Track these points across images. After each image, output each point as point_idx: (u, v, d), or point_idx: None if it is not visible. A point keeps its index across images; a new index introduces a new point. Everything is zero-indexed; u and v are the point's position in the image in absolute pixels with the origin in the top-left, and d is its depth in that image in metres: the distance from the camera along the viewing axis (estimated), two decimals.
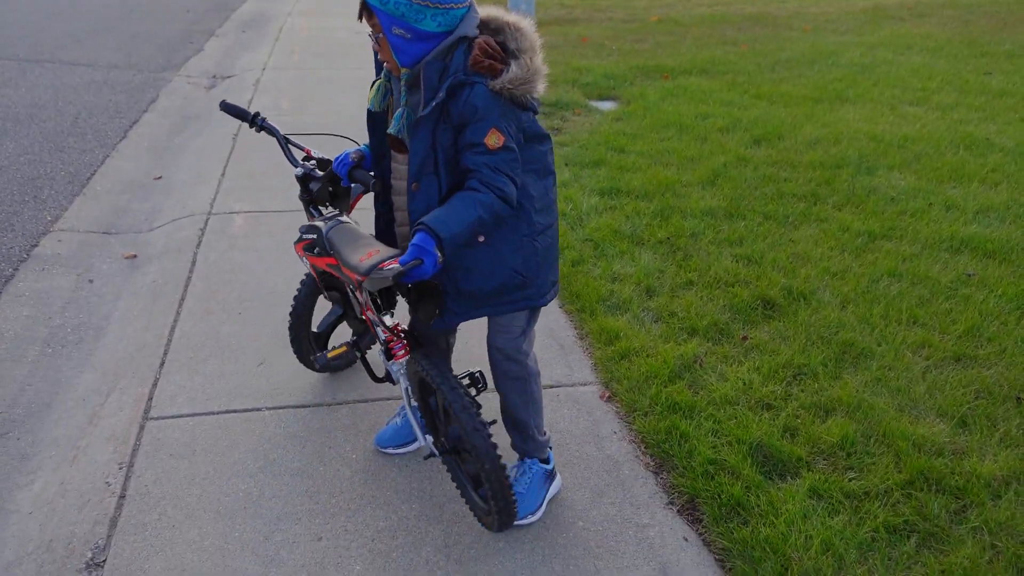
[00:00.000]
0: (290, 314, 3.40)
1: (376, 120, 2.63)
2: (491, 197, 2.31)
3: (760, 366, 3.64)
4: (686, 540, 2.78)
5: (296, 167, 3.02)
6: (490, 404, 3.09)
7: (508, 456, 2.88)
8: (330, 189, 2.95)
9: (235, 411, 3.37)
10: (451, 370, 2.58)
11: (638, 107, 7.56)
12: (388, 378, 2.95)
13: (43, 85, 8.20)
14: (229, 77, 8.98)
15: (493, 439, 2.46)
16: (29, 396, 3.57)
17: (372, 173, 2.78)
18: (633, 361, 3.68)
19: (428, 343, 2.88)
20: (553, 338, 3.89)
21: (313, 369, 3.54)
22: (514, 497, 2.56)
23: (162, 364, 3.67)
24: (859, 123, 7.09)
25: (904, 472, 3.01)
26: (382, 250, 2.45)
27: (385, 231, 2.75)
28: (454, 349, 3.15)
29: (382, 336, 2.76)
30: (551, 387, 3.53)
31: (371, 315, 2.74)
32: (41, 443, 3.29)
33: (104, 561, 2.64)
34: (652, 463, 3.14)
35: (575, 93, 7.89)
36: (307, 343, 3.45)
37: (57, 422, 3.40)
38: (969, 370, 3.63)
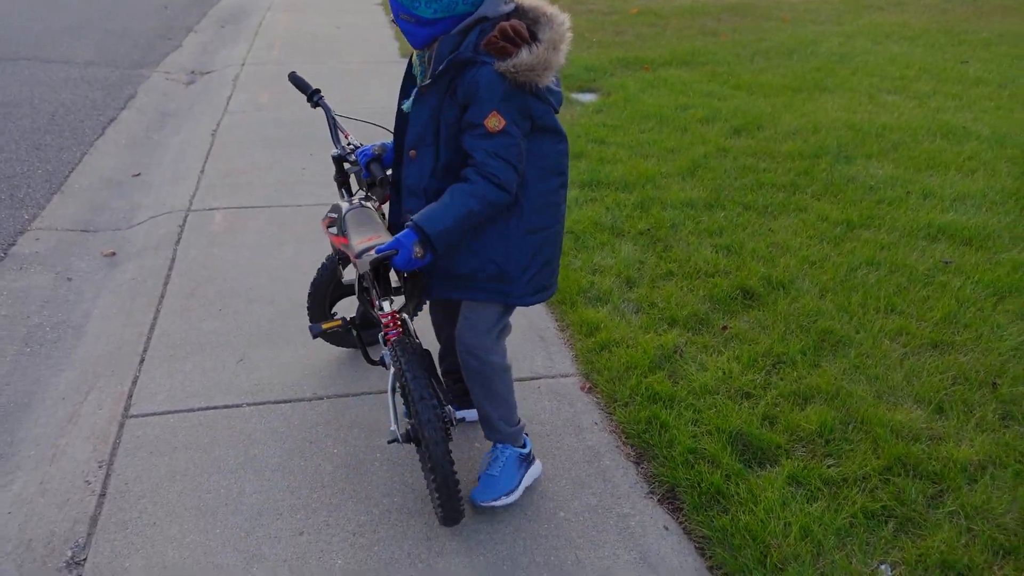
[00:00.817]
0: (311, 284, 3.45)
1: (401, 120, 2.61)
2: (484, 186, 2.34)
3: (740, 355, 3.67)
4: (666, 529, 2.80)
5: (336, 147, 3.12)
6: None
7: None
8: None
9: (215, 407, 3.37)
10: (432, 363, 2.59)
11: (618, 99, 7.57)
12: (382, 362, 3.01)
13: (19, 83, 8.13)
14: (208, 73, 8.94)
15: (448, 435, 2.48)
16: (7, 395, 3.55)
17: (389, 172, 2.80)
18: (613, 352, 3.69)
19: (439, 329, 3.03)
20: (533, 329, 3.90)
21: (325, 338, 3.60)
22: (459, 494, 2.56)
23: (142, 361, 3.66)
24: (837, 112, 7.13)
25: (882, 458, 3.04)
26: (383, 237, 2.55)
27: (398, 227, 2.74)
28: None
29: (381, 320, 2.84)
30: (532, 379, 3.54)
31: (373, 296, 2.82)
32: (20, 442, 3.27)
33: (84, 560, 2.63)
34: (633, 453, 3.16)
35: None
36: (320, 315, 3.50)
37: (36, 421, 3.39)
38: (946, 356, 3.67)
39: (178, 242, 4.78)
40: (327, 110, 3.17)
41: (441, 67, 2.34)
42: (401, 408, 2.83)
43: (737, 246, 4.65)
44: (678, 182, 5.60)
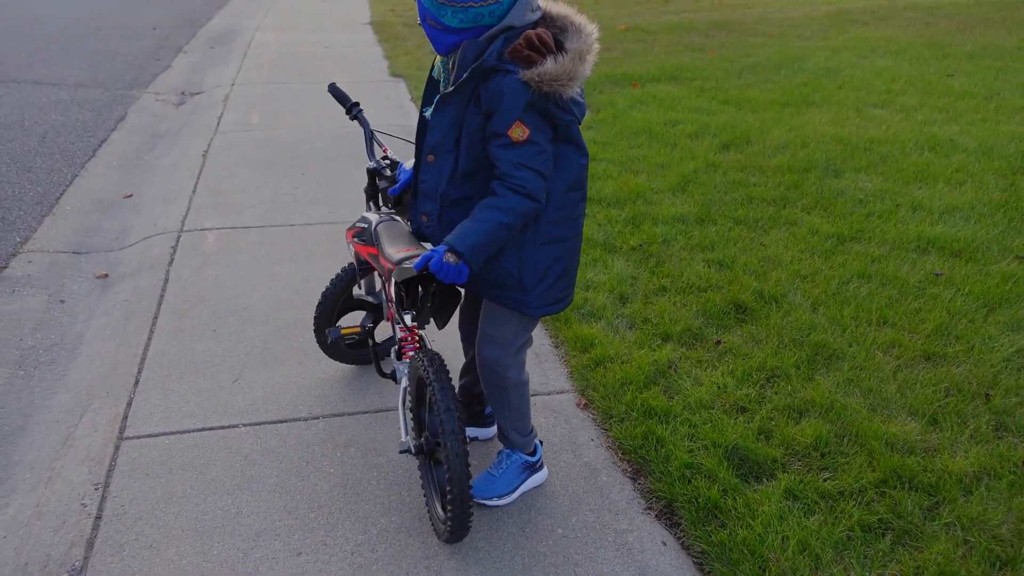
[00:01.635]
0: (322, 294, 3.47)
1: (422, 125, 2.62)
2: (513, 199, 2.34)
3: (734, 369, 3.68)
4: (664, 544, 2.80)
5: (370, 160, 3.16)
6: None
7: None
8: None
9: (211, 428, 3.36)
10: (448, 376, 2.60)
11: (607, 115, 7.61)
12: (392, 376, 3.07)
13: (9, 105, 8.13)
14: (198, 93, 8.95)
15: (468, 450, 2.48)
16: (2, 419, 3.53)
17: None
18: (608, 368, 3.70)
19: (467, 345, 3.10)
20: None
21: (324, 348, 3.61)
22: (471, 512, 2.56)
23: (136, 383, 3.65)
24: (826, 126, 7.18)
25: (877, 471, 3.05)
26: (420, 250, 2.61)
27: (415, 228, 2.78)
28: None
29: (399, 333, 2.90)
30: None
31: (393, 309, 2.86)
32: (15, 466, 3.26)
33: None
34: (629, 469, 3.16)
35: None
36: (327, 326, 3.52)
37: (31, 444, 3.37)
38: (939, 368, 3.69)
39: (171, 263, 4.77)
40: (364, 124, 3.21)
41: (465, 75, 2.35)
42: (408, 421, 2.86)
43: (729, 261, 4.67)
44: (669, 197, 5.63)
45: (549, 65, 2.26)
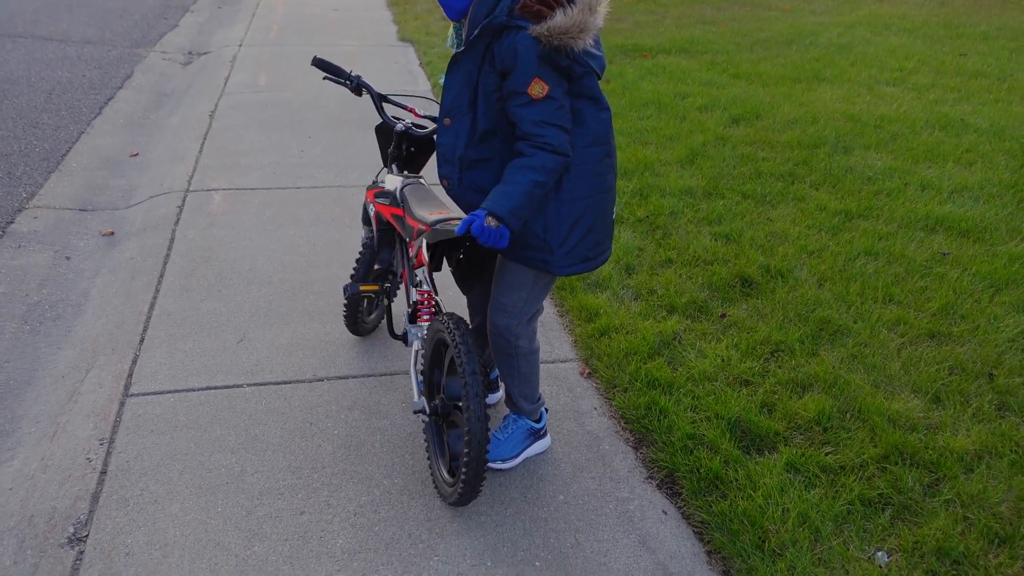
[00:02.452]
0: (364, 246, 3.47)
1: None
2: (541, 156, 2.33)
3: (738, 343, 3.68)
4: (665, 513, 2.81)
5: (396, 124, 3.14)
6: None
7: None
8: (411, 149, 3.19)
9: (216, 387, 3.37)
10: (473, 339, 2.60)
11: (617, 86, 7.56)
12: (404, 338, 3.09)
13: (15, 60, 8.08)
14: (205, 53, 8.90)
15: (488, 415, 2.49)
16: (7, 373, 3.54)
17: None
18: (613, 338, 3.70)
19: (474, 312, 3.09)
20: None
21: (351, 327, 3.64)
22: (484, 476, 2.57)
23: (142, 341, 3.66)
24: (836, 103, 7.14)
25: (879, 447, 3.06)
26: (451, 213, 2.64)
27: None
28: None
29: (415, 296, 2.92)
30: None
31: (417, 271, 2.86)
32: (21, 419, 3.27)
33: (86, 536, 2.64)
34: (632, 438, 3.17)
35: None
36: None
37: (36, 399, 3.39)
38: (943, 347, 3.69)
39: (177, 222, 4.77)
40: (371, 90, 3.16)
41: (476, 32, 2.34)
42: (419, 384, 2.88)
43: (736, 234, 4.66)
44: (677, 170, 5.61)
45: (559, 18, 2.24)
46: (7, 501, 2.83)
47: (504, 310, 2.72)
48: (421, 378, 2.85)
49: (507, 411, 3.09)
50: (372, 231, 3.42)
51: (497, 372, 3.26)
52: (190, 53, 8.96)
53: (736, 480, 2.90)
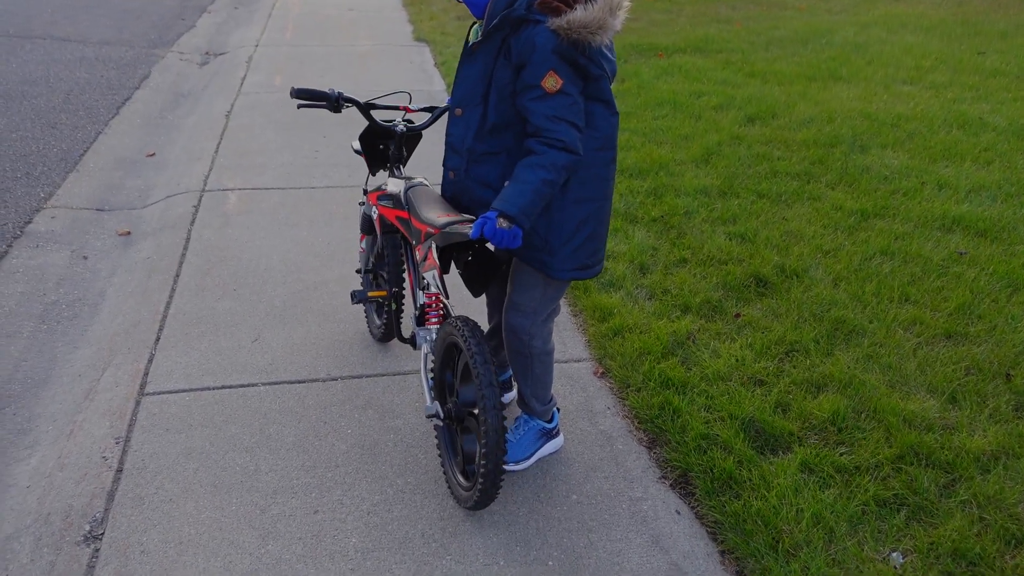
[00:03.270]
0: (384, 258, 3.47)
1: None
2: (552, 154, 2.32)
3: (753, 343, 3.67)
4: (678, 513, 2.81)
5: (396, 127, 3.15)
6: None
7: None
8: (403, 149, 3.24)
9: (231, 387, 3.39)
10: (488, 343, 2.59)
11: (632, 85, 7.55)
12: (412, 341, 3.10)
13: (34, 61, 8.15)
14: (222, 54, 8.94)
15: (505, 426, 2.49)
16: (25, 372, 3.57)
17: None
18: (626, 338, 3.70)
19: (493, 312, 3.10)
20: None
21: (376, 338, 3.66)
22: (501, 482, 2.57)
23: (157, 340, 3.68)
24: (852, 102, 7.10)
25: (894, 447, 3.05)
26: (459, 215, 2.60)
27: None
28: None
29: (422, 299, 2.92)
30: None
31: (426, 274, 2.84)
32: (38, 418, 3.30)
33: (102, 534, 2.66)
34: (645, 438, 3.17)
35: None
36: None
37: (54, 397, 3.42)
38: (960, 347, 3.66)
39: (193, 222, 4.79)
40: (355, 102, 3.14)
41: (494, 22, 2.34)
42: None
43: (751, 234, 4.65)
44: (692, 169, 5.59)
45: (579, 13, 2.24)
46: (24, 499, 2.86)
47: (519, 310, 2.72)
48: (432, 381, 2.85)
49: (519, 411, 3.09)
50: (375, 238, 3.43)
51: (511, 372, 3.26)
52: (207, 54, 9.01)
53: (750, 480, 2.89)
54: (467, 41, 2.57)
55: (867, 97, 7.27)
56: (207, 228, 4.73)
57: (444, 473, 2.85)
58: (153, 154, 6.10)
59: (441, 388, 2.82)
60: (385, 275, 3.34)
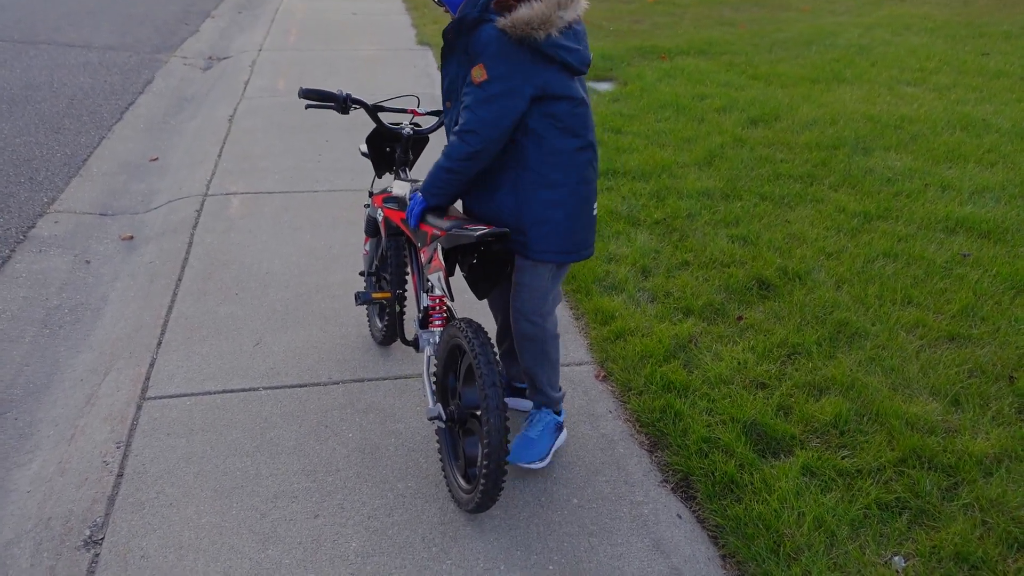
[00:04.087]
0: (390, 261, 3.50)
1: None
2: (452, 144, 2.52)
3: (755, 346, 3.66)
4: (680, 517, 2.80)
5: (404, 130, 3.20)
6: None
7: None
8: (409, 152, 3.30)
9: (232, 391, 3.39)
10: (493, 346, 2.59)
11: (635, 88, 7.55)
12: (414, 343, 3.13)
13: (38, 66, 8.17)
14: (225, 58, 8.96)
15: (508, 427, 2.48)
16: (27, 376, 3.58)
17: None
18: (628, 341, 3.69)
19: (497, 311, 3.11)
20: None
21: (378, 341, 3.66)
22: (503, 483, 2.56)
23: (159, 344, 3.68)
24: (856, 104, 7.09)
25: (897, 450, 3.03)
26: (464, 217, 2.69)
27: None
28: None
29: (426, 302, 2.94)
30: None
31: (431, 276, 2.85)
32: (39, 423, 3.30)
33: (102, 539, 2.66)
34: (647, 441, 3.16)
35: None
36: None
37: (55, 402, 3.42)
38: (963, 349, 3.65)
39: (195, 226, 4.80)
40: (363, 104, 3.17)
41: (449, 26, 2.48)
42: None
43: (753, 237, 4.64)
44: (694, 172, 5.59)
45: (522, 11, 2.35)
46: (25, 503, 2.86)
47: (529, 291, 2.75)
48: (434, 383, 2.85)
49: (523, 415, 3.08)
50: (379, 240, 3.44)
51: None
52: (210, 58, 9.02)
53: (751, 484, 2.89)
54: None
55: (870, 99, 7.26)
56: (210, 232, 4.73)
57: (445, 476, 2.85)
58: (156, 158, 6.11)
59: (443, 391, 2.81)
60: (388, 277, 3.34)
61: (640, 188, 5.29)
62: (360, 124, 6.59)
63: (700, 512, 2.83)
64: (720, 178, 5.47)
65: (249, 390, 3.39)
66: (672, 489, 2.93)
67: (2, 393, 3.47)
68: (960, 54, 8.86)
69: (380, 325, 3.60)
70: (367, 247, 3.57)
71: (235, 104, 7.14)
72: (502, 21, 2.36)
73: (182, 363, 3.55)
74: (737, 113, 6.81)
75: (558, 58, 2.44)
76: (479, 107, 2.44)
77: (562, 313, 3.96)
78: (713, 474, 2.93)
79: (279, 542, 2.65)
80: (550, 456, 2.97)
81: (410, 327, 3.81)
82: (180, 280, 4.21)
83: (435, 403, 2.81)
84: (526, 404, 3.25)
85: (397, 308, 3.33)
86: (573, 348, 3.71)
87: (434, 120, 3.29)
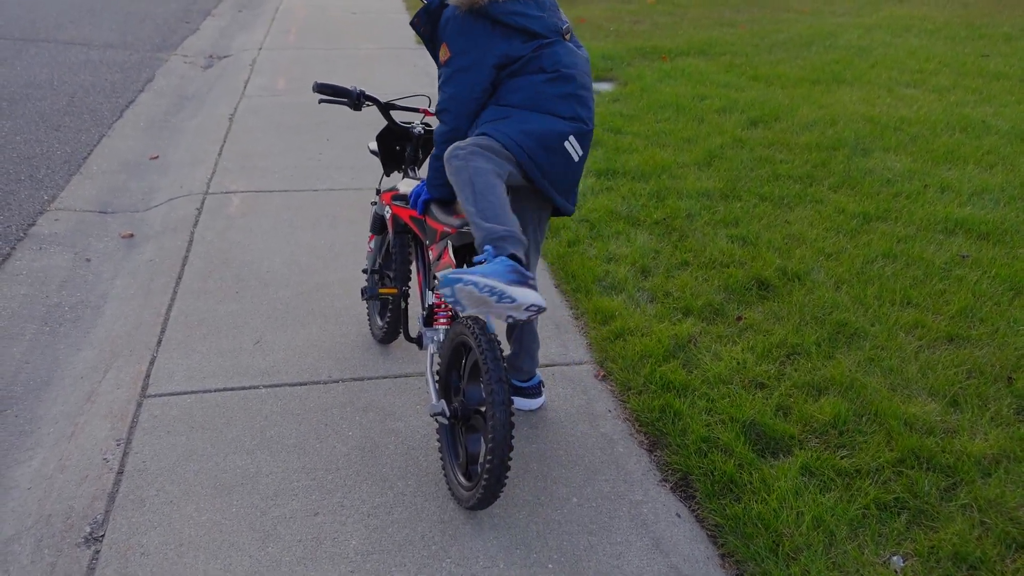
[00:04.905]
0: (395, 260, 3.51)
1: None
2: (438, 126, 2.64)
3: (754, 346, 3.67)
4: (679, 516, 2.81)
5: (415, 128, 3.24)
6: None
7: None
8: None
9: (232, 389, 3.39)
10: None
11: (635, 88, 7.56)
12: (417, 340, 3.15)
13: (39, 64, 8.17)
14: (225, 57, 8.96)
15: (514, 422, 2.47)
16: (27, 373, 3.58)
17: None
18: (628, 340, 3.70)
19: None
20: (549, 317, 3.91)
21: (377, 339, 3.67)
22: (505, 483, 2.56)
23: (159, 342, 3.69)
24: (856, 105, 7.10)
25: (895, 450, 3.04)
26: None
27: None
28: None
29: (431, 299, 2.96)
30: (547, 365, 3.55)
31: (438, 272, 2.85)
32: (40, 420, 3.31)
33: (103, 536, 2.66)
34: (646, 441, 3.17)
35: None
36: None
37: (55, 399, 3.42)
38: (961, 350, 3.66)
39: (195, 225, 4.80)
40: (377, 101, 3.19)
41: (415, 17, 2.61)
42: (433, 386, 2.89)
43: (753, 237, 4.65)
44: (694, 172, 5.60)
45: None
46: (25, 500, 2.86)
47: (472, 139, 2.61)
48: (437, 380, 2.85)
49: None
50: (385, 237, 3.45)
51: (540, 377, 3.26)
52: (211, 57, 9.03)
53: (750, 483, 2.89)
54: None
55: (870, 100, 7.27)
56: (210, 231, 4.74)
57: (444, 474, 2.85)
58: (156, 157, 6.11)
59: (446, 388, 2.82)
60: (392, 275, 3.35)
61: (640, 188, 5.30)
62: (361, 123, 6.59)
63: (699, 511, 2.83)
64: (720, 178, 5.48)
65: (249, 388, 3.40)
66: (671, 488, 2.94)
67: (3, 390, 3.48)
68: (960, 56, 8.87)
69: (380, 323, 3.60)
70: (371, 244, 3.58)
71: (235, 103, 7.14)
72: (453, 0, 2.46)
73: (182, 361, 3.56)
74: (737, 114, 6.82)
75: (516, 25, 2.48)
76: (447, 84, 2.53)
77: (562, 313, 3.97)
78: (712, 473, 2.94)
79: (279, 539, 2.66)
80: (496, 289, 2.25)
81: (413, 324, 3.82)
82: (180, 278, 4.22)
83: (439, 399, 2.81)
84: (528, 403, 3.25)
85: (402, 304, 3.34)
86: (573, 347, 3.72)
87: None
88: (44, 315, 4.02)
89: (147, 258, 4.52)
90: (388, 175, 3.30)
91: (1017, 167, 5.70)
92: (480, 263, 2.32)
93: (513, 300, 2.23)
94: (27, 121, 6.58)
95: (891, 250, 4.51)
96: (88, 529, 2.69)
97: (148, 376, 3.46)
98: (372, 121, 6.61)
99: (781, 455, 3.05)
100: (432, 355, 2.97)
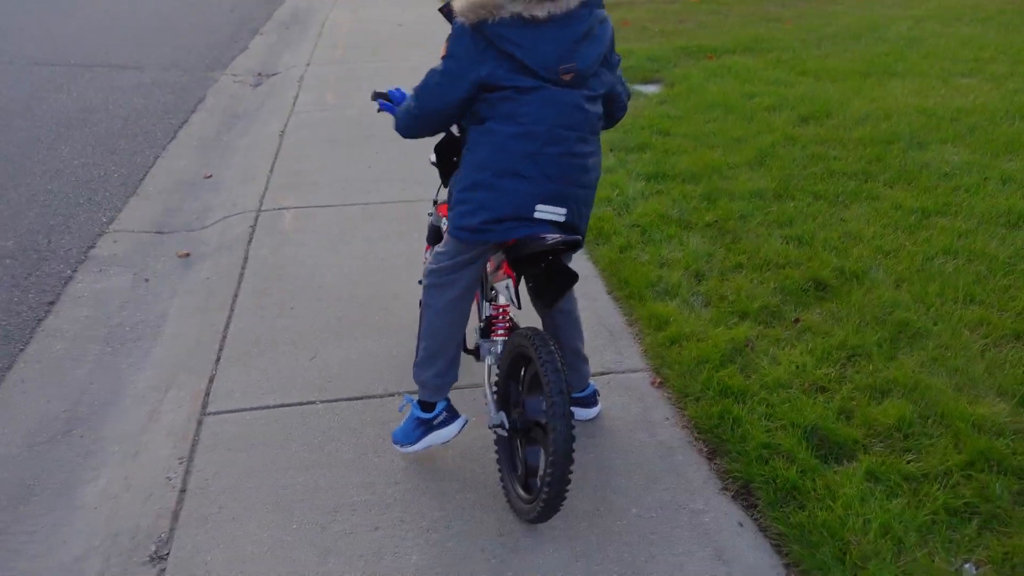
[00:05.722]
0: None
1: None
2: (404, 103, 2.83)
3: (813, 348, 3.60)
4: (741, 525, 2.76)
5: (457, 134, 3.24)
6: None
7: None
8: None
9: (289, 404, 3.42)
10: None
11: (682, 89, 7.49)
12: (475, 352, 3.14)
13: (93, 89, 8.36)
14: (274, 74, 9.08)
15: (575, 435, 2.45)
16: (91, 394, 3.66)
17: None
18: (683, 346, 3.66)
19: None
20: (602, 325, 3.88)
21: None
22: (566, 495, 2.54)
23: (218, 360, 3.74)
24: (909, 97, 6.95)
25: (964, 453, 2.96)
26: None
27: None
28: None
29: (488, 311, 2.95)
30: (602, 373, 3.53)
31: (497, 284, 2.87)
32: (104, 440, 3.37)
33: (167, 554, 2.70)
34: (705, 448, 3.13)
35: None
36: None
37: (118, 419, 3.49)
38: None
39: (250, 241, 4.87)
40: None
41: (441, 7, 2.67)
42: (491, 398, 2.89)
43: (808, 237, 4.57)
44: (745, 172, 5.53)
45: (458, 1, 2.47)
46: (93, 519, 2.92)
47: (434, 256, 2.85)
48: (495, 392, 2.84)
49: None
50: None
51: (594, 386, 3.25)
52: (260, 75, 9.15)
53: (814, 490, 2.84)
54: None
55: (924, 92, 7.12)
56: (264, 247, 4.79)
57: (503, 487, 2.84)
58: (210, 175, 6.21)
59: (505, 400, 2.81)
60: None
61: (690, 191, 5.24)
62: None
63: (762, 520, 2.79)
64: (772, 178, 5.40)
65: (307, 403, 3.43)
66: (733, 497, 2.89)
67: (69, 411, 3.55)
68: (1016, 43, 8.65)
69: None
70: (427, 255, 3.59)
71: (285, 119, 7.23)
72: (455, 8, 2.50)
73: (240, 378, 3.60)
74: (787, 111, 6.72)
75: (505, 51, 2.45)
76: (429, 75, 2.62)
77: (615, 319, 3.94)
78: (774, 481, 2.89)
79: (339, 555, 2.67)
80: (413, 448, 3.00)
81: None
82: (236, 296, 4.27)
83: (498, 411, 2.80)
84: (584, 413, 3.23)
85: None
86: (628, 354, 3.69)
87: None
88: (106, 336, 4.10)
89: (204, 276, 4.59)
90: (446, 187, 3.29)
91: None
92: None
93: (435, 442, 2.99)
94: (84, 145, 6.74)
95: (952, 246, 4.40)
96: (153, 547, 2.73)
97: (208, 394, 3.50)
98: None
99: (845, 460, 2.99)
100: (490, 367, 2.96)
